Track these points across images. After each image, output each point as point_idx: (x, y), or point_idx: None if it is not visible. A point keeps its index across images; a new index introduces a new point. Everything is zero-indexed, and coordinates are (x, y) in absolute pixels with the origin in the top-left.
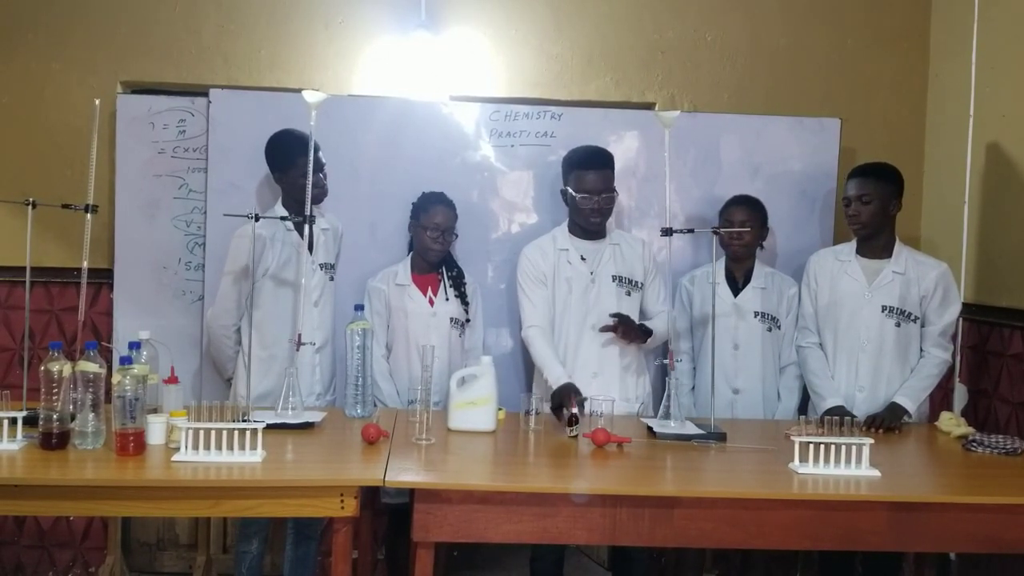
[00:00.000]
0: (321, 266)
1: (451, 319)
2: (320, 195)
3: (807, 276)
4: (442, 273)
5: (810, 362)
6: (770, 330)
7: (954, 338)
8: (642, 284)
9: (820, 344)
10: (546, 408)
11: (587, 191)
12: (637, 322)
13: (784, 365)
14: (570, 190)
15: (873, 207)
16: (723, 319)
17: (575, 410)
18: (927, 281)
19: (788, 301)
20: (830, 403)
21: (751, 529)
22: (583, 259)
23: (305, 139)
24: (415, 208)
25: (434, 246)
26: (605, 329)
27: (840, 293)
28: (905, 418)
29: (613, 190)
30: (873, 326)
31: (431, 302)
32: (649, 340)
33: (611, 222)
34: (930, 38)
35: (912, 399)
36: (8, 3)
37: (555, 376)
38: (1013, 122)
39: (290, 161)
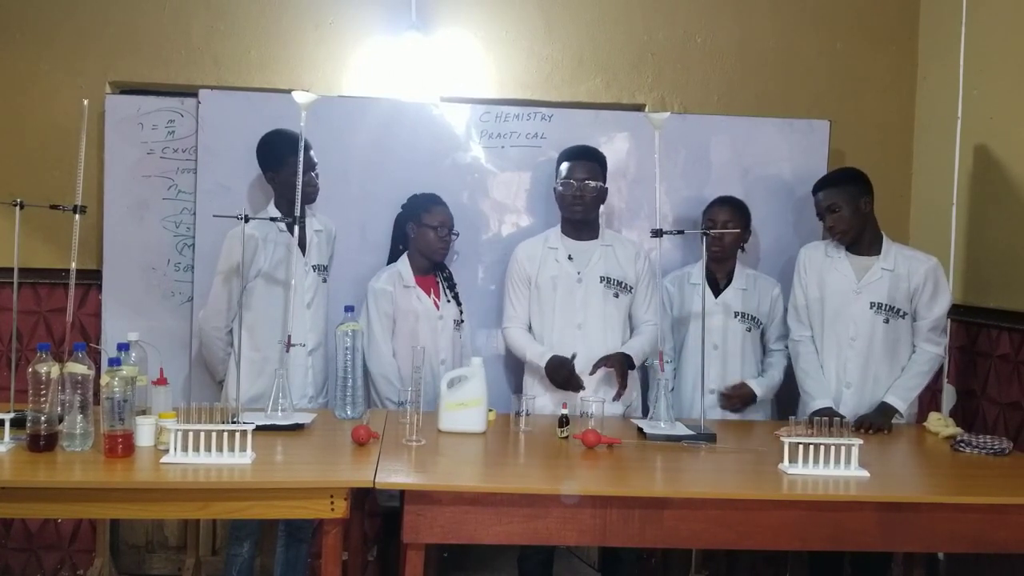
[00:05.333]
0: (314, 268)
1: (453, 320)
2: (312, 194)
3: (799, 267)
4: (438, 274)
5: (801, 359)
6: (750, 330)
7: (945, 332)
8: (632, 288)
9: (812, 337)
10: (537, 407)
11: (567, 178)
12: (619, 328)
13: (770, 349)
14: (556, 183)
15: (844, 213)
16: (705, 320)
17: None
18: (917, 276)
19: (772, 302)
20: (819, 404)
21: (741, 530)
22: (570, 258)
23: (296, 138)
24: (414, 209)
25: (441, 245)
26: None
27: (828, 289)
28: (896, 417)
29: (598, 182)
30: (861, 323)
31: (436, 304)
32: (634, 365)
33: (605, 223)
34: (919, 41)
35: (902, 398)
36: None
37: (538, 353)
38: (1001, 124)
39: (281, 160)
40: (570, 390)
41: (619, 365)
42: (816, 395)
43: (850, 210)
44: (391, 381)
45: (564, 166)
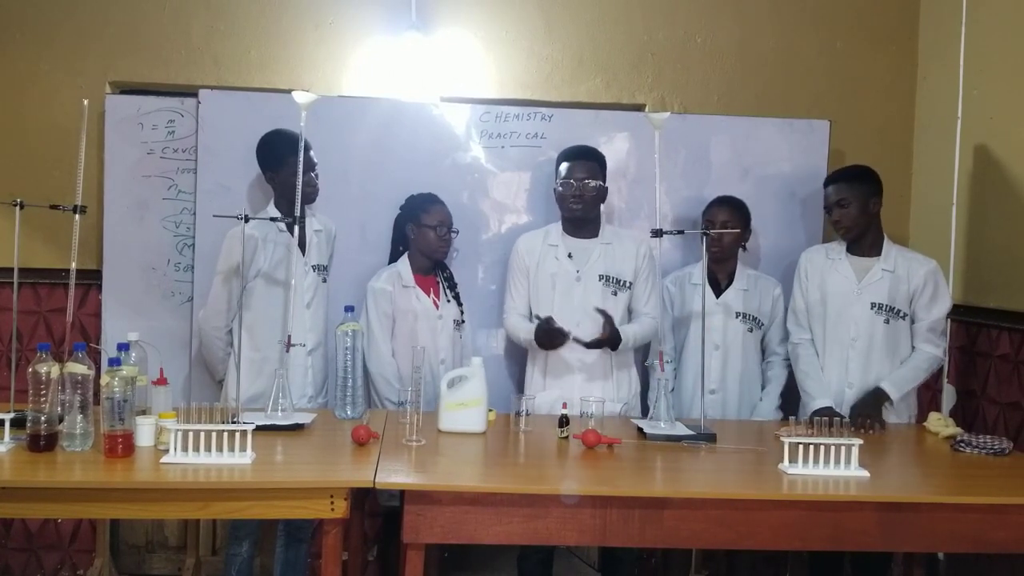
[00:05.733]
0: (314, 267)
1: (453, 320)
2: (312, 194)
3: (799, 272)
4: (439, 274)
5: (801, 361)
6: (751, 330)
7: (944, 335)
8: (631, 284)
9: (812, 340)
10: (536, 407)
11: (567, 178)
12: (618, 323)
13: (769, 357)
14: (556, 183)
15: (853, 209)
16: (705, 320)
17: (562, 328)
18: (917, 278)
19: (773, 302)
20: (819, 404)
21: (741, 529)
22: (570, 256)
23: (296, 138)
24: (413, 210)
25: (442, 244)
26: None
27: (829, 290)
28: (886, 404)
29: (598, 181)
30: (862, 323)
31: (435, 304)
32: (620, 346)
33: (605, 221)
34: (919, 41)
35: (897, 387)
36: None
37: (529, 329)
38: (1001, 124)
39: (281, 160)
40: (559, 344)
41: (607, 327)
42: (816, 395)
43: (858, 208)
44: (390, 381)
45: (564, 166)
